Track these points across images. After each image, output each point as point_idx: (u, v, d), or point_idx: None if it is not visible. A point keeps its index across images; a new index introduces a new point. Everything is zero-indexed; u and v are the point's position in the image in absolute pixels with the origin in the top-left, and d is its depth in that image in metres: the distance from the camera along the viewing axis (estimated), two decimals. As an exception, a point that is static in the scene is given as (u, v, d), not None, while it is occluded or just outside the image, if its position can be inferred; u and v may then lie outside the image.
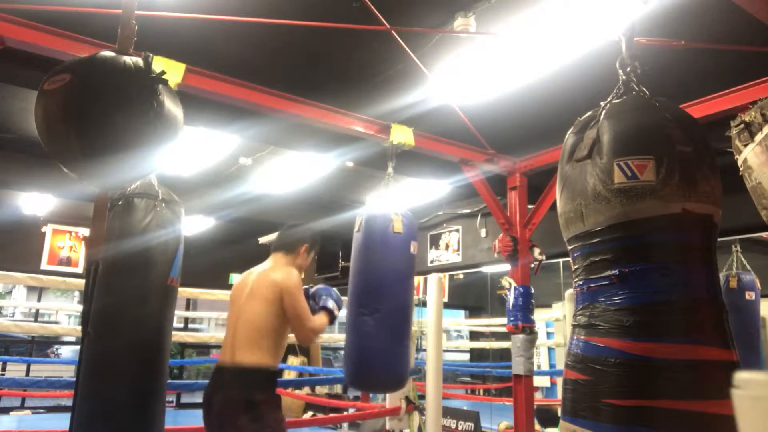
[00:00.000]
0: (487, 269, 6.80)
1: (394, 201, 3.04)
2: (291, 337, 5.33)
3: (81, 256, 7.75)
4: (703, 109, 2.73)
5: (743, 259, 4.28)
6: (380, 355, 2.76)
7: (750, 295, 4.07)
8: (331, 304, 2.62)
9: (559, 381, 4.21)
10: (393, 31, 2.66)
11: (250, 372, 2.38)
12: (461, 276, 7.96)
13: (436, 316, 4.22)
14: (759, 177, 1.87)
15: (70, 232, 7.78)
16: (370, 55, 3.13)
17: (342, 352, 10.43)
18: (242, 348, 2.40)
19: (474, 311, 9.46)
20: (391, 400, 4.38)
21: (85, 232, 7.48)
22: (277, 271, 2.54)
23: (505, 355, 5.98)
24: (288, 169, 5.26)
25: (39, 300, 10.95)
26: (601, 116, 1.83)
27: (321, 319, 2.57)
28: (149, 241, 2.29)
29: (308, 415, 7.42)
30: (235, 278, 2.70)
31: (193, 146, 4.56)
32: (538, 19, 2.65)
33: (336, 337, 9.22)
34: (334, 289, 2.75)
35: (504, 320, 3.88)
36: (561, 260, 5.72)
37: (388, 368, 2.80)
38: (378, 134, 3.30)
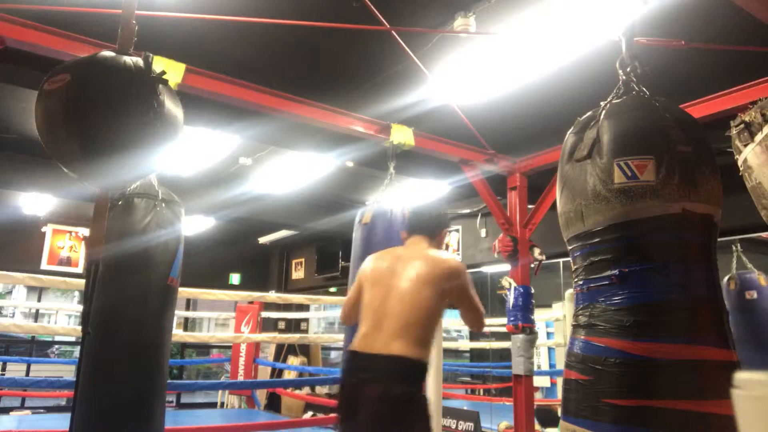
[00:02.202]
0: (487, 269, 6.79)
1: (398, 198, 3.06)
2: (287, 337, 5.28)
3: (81, 256, 7.74)
4: (703, 109, 2.73)
5: (744, 258, 4.23)
6: None
7: (751, 294, 3.94)
8: None
9: (559, 381, 4.20)
10: (393, 31, 2.66)
11: (411, 365, 2.12)
12: (461, 276, 7.94)
13: (436, 316, 4.22)
14: (759, 177, 1.87)
15: (70, 232, 7.78)
16: (370, 55, 3.13)
17: (342, 353, 10.42)
18: (402, 338, 2.12)
19: (474, 311, 9.44)
20: (391, 400, 4.37)
21: (85, 232, 7.48)
22: (443, 255, 2.38)
23: (505, 355, 5.97)
24: (288, 169, 5.26)
25: (39, 300, 10.94)
26: (601, 116, 1.83)
27: None
28: (149, 241, 2.29)
29: (308, 415, 7.42)
30: (370, 260, 2.43)
31: (193, 146, 4.56)
32: (538, 19, 2.65)
33: (336, 337, 9.21)
34: None
35: (504, 320, 3.88)
36: (561, 260, 5.71)
37: None
38: (378, 134, 3.30)
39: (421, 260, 2.32)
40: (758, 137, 1.89)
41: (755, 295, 3.96)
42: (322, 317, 10.08)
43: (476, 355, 8.86)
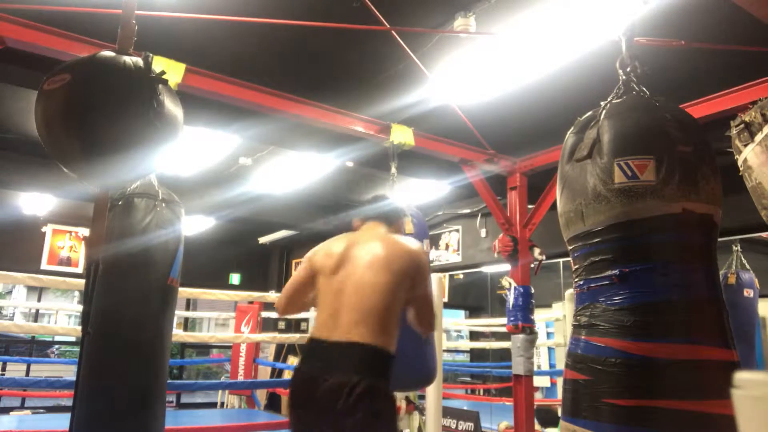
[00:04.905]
0: (487, 269, 6.79)
1: (403, 200, 3.02)
2: (287, 337, 5.27)
3: (81, 256, 7.74)
4: (703, 109, 2.73)
5: (743, 258, 4.28)
6: (415, 353, 2.69)
7: (748, 293, 4.08)
8: None
9: (559, 381, 4.21)
10: (393, 31, 2.66)
11: (374, 354, 1.92)
12: (461, 276, 7.96)
13: (436, 316, 4.22)
14: (759, 177, 1.87)
15: (70, 232, 7.77)
16: (370, 55, 3.13)
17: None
18: (363, 325, 1.93)
19: (474, 311, 9.46)
20: (391, 400, 4.37)
21: (85, 232, 7.48)
22: (404, 239, 2.20)
23: (505, 355, 5.97)
24: (288, 169, 5.26)
25: (39, 300, 10.94)
26: (601, 116, 1.83)
27: None
28: (149, 241, 2.29)
29: (308, 415, 7.40)
30: (323, 245, 2.24)
31: (193, 146, 4.56)
32: (538, 19, 2.65)
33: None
34: None
35: (504, 320, 3.88)
36: (561, 260, 5.71)
37: (428, 365, 2.82)
38: (378, 134, 3.30)
39: (380, 243, 2.15)
40: (758, 137, 1.89)
41: (752, 294, 4.12)
42: (322, 317, 10.05)
43: (476, 355, 8.86)
